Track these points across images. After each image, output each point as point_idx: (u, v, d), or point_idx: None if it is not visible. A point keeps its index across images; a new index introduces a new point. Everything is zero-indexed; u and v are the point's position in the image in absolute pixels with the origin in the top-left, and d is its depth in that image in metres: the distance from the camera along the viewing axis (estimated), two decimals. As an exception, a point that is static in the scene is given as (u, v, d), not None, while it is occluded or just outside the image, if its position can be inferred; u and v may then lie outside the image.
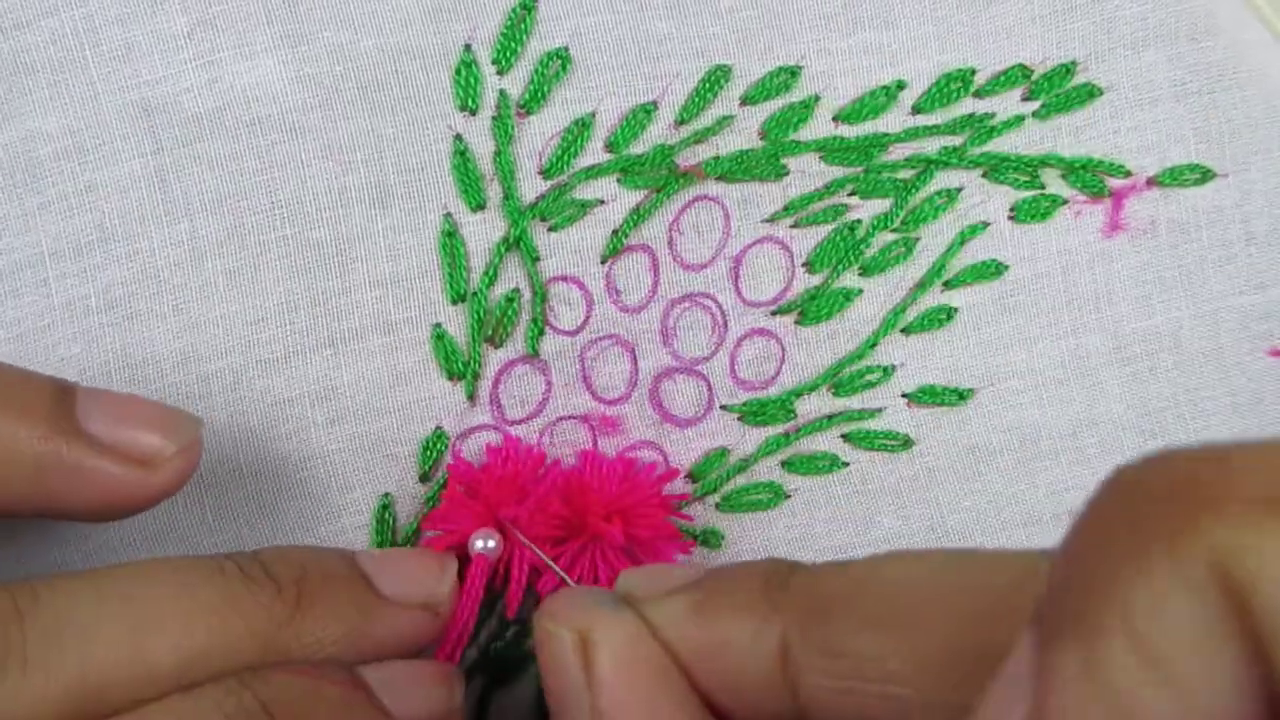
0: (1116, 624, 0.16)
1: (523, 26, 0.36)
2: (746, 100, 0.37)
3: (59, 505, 0.29)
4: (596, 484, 0.35)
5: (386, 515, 0.36)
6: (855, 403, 0.38)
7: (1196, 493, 0.16)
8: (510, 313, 0.36)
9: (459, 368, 0.36)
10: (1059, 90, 0.38)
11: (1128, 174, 0.38)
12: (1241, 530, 0.15)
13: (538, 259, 0.36)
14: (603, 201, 0.37)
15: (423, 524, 0.36)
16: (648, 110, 0.36)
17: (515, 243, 0.36)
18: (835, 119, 0.37)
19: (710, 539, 0.38)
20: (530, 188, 0.36)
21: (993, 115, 0.38)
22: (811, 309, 0.38)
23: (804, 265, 0.38)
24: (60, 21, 0.35)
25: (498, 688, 0.38)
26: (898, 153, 0.37)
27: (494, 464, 0.36)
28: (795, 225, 0.37)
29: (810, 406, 0.38)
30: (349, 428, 0.36)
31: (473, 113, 0.36)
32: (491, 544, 0.35)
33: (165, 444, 0.29)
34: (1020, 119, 0.38)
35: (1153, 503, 0.16)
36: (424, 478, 0.37)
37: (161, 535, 0.36)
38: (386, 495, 0.36)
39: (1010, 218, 0.38)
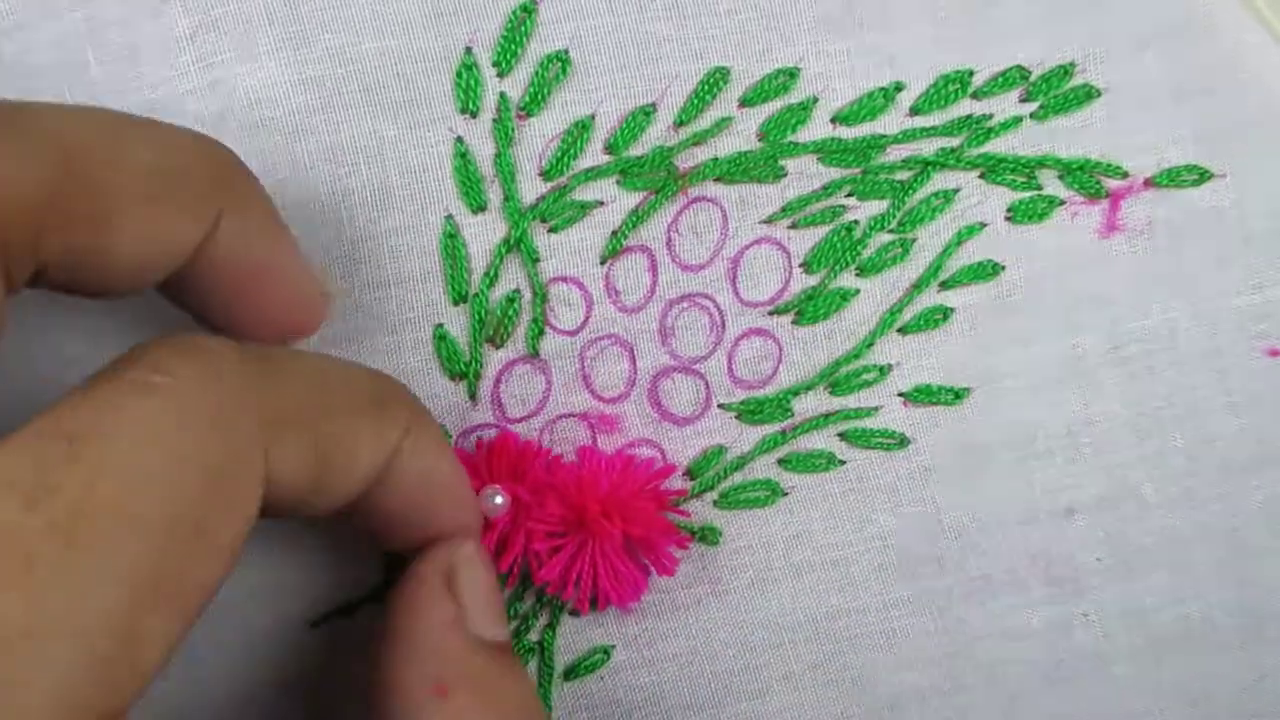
0: None
1: (523, 29, 0.36)
2: (745, 102, 0.37)
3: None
4: (592, 479, 0.36)
5: (388, 512, 0.37)
6: (852, 401, 0.38)
7: None
8: (511, 313, 0.37)
9: (460, 368, 0.37)
10: (1057, 91, 0.38)
11: (1125, 175, 0.38)
12: None
13: (538, 260, 0.37)
14: (602, 203, 0.37)
15: None
16: (647, 112, 0.37)
17: (516, 244, 0.36)
18: (833, 120, 0.37)
19: (708, 536, 0.38)
20: (530, 189, 0.36)
21: (990, 116, 0.38)
22: (809, 309, 0.38)
23: (801, 266, 0.38)
24: (62, 24, 0.35)
25: (498, 682, 0.38)
26: (895, 154, 0.38)
27: (495, 445, 0.36)
28: (793, 226, 0.38)
29: (807, 405, 0.38)
30: (351, 426, 0.36)
31: (473, 115, 0.36)
32: (499, 500, 0.35)
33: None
34: (1018, 120, 0.38)
35: None
36: (425, 475, 0.37)
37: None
38: (388, 492, 0.37)
39: (1007, 218, 0.38)
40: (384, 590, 0.37)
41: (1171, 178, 0.38)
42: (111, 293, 0.28)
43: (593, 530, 0.36)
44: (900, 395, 0.38)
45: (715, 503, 0.38)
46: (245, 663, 0.37)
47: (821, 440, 0.38)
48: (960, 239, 0.38)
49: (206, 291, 0.29)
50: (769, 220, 0.38)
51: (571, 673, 0.38)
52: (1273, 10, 0.38)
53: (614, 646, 0.39)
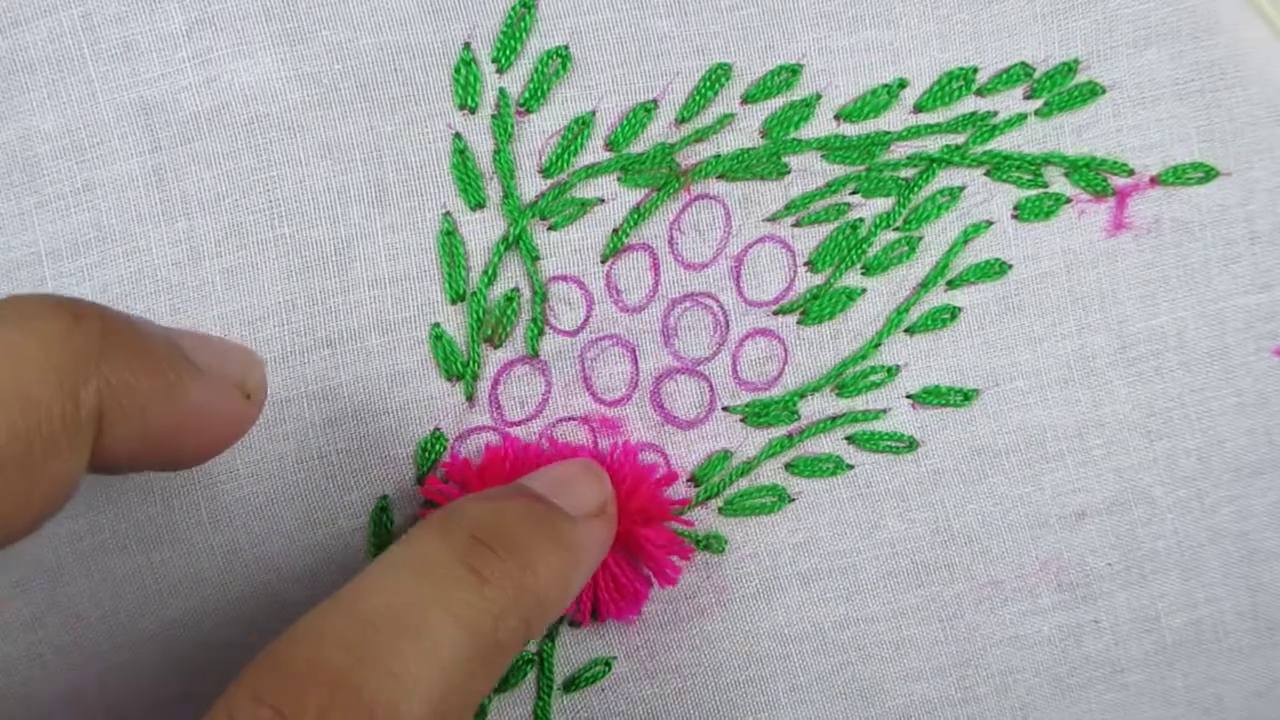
0: None
1: (523, 25, 0.36)
2: (747, 99, 0.37)
3: (171, 448, 0.28)
4: None
5: (384, 518, 0.36)
6: (859, 404, 0.38)
7: None
8: (510, 312, 0.36)
9: (458, 368, 0.36)
10: (1061, 89, 0.37)
11: (1131, 173, 0.38)
12: None
13: (537, 258, 0.36)
14: (603, 200, 0.36)
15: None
16: (648, 109, 0.36)
17: (515, 242, 0.36)
18: (837, 117, 0.37)
19: (713, 544, 0.38)
20: (530, 186, 0.36)
21: (994, 114, 0.37)
22: (814, 308, 0.37)
23: (806, 264, 0.37)
24: (58, 20, 0.34)
25: (497, 691, 0.37)
26: (899, 151, 0.37)
27: (491, 460, 0.35)
28: (797, 224, 0.37)
29: (814, 407, 0.38)
30: (347, 428, 0.36)
31: (472, 111, 0.36)
32: None
33: (259, 374, 0.30)
34: (1022, 117, 0.37)
35: None
36: (422, 480, 0.36)
37: (158, 538, 0.35)
38: (384, 498, 0.36)
39: (1013, 216, 0.38)
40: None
41: (1178, 175, 0.38)
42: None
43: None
44: (909, 397, 0.38)
45: (720, 509, 0.38)
46: (237, 672, 0.36)
47: (829, 444, 0.38)
48: (967, 237, 0.38)
49: (122, 465, 0.27)
50: (773, 218, 0.37)
51: (571, 685, 0.38)
52: (1275, 7, 0.38)
53: (615, 658, 0.38)
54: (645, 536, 0.35)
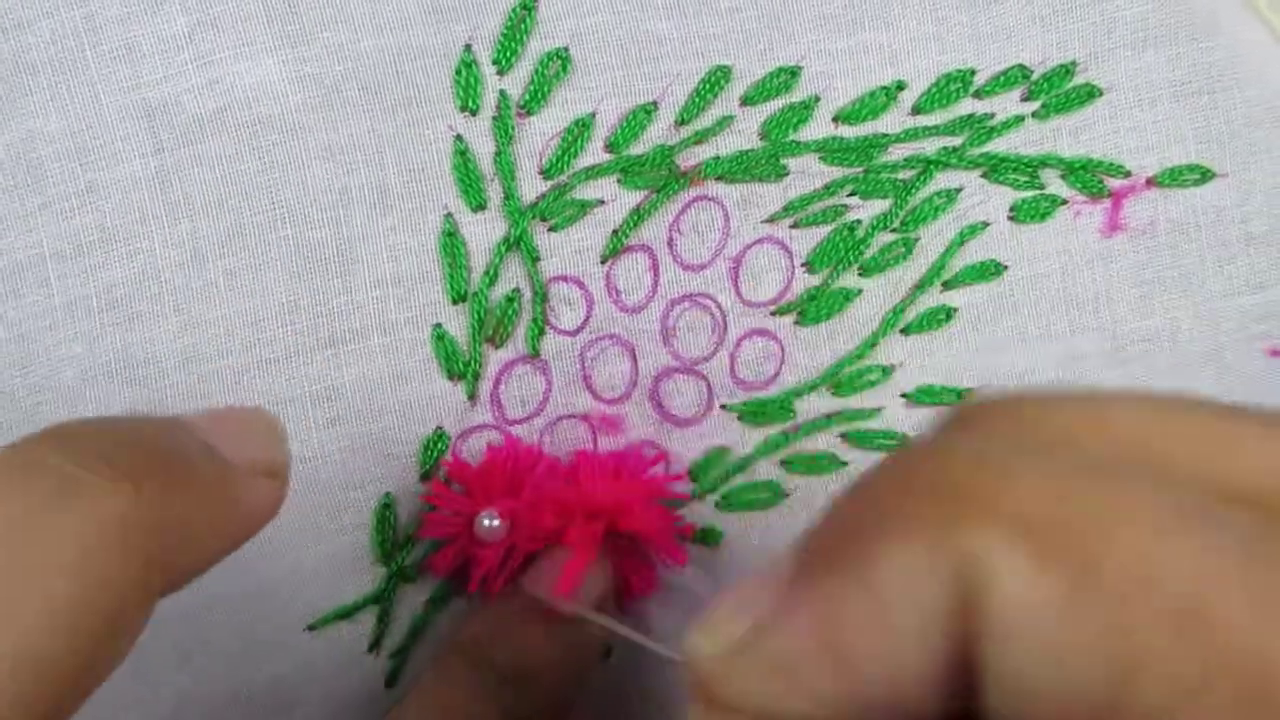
0: (864, 575, 0.17)
1: (523, 27, 0.36)
2: (746, 101, 0.37)
3: (215, 555, 0.26)
4: (589, 480, 0.35)
5: (387, 515, 0.37)
6: (854, 402, 0.38)
7: (969, 496, 0.17)
8: (510, 313, 0.36)
9: (459, 368, 0.36)
10: (1058, 91, 0.38)
11: (1127, 174, 0.38)
12: (991, 543, 0.16)
13: (538, 259, 0.36)
14: (603, 201, 0.37)
15: (418, 531, 0.36)
16: (648, 110, 0.36)
17: (516, 243, 0.36)
18: (835, 119, 0.37)
19: (709, 537, 0.38)
20: (530, 188, 0.36)
21: (992, 116, 0.38)
22: (811, 309, 0.38)
23: (804, 265, 0.38)
24: (61, 21, 0.34)
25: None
26: (897, 153, 0.37)
27: (491, 461, 0.36)
28: (795, 225, 0.37)
29: (810, 406, 0.38)
30: (350, 427, 0.36)
31: (473, 113, 0.36)
32: (496, 524, 0.35)
33: (284, 455, 0.28)
34: (1020, 119, 0.38)
35: (930, 492, 0.18)
36: (425, 477, 0.37)
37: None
38: (387, 495, 0.36)
39: (1010, 218, 0.38)
40: (383, 595, 0.37)
41: (1174, 177, 0.38)
42: None
43: (580, 533, 0.35)
44: (903, 396, 0.38)
45: (717, 504, 0.38)
46: (242, 666, 0.36)
47: (824, 441, 0.38)
48: (963, 238, 0.38)
49: (177, 588, 0.25)
50: (771, 219, 0.37)
51: (571, 676, 0.38)
52: (1273, 9, 0.38)
53: (611, 647, 0.38)
54: (644, 525, 0.36)
